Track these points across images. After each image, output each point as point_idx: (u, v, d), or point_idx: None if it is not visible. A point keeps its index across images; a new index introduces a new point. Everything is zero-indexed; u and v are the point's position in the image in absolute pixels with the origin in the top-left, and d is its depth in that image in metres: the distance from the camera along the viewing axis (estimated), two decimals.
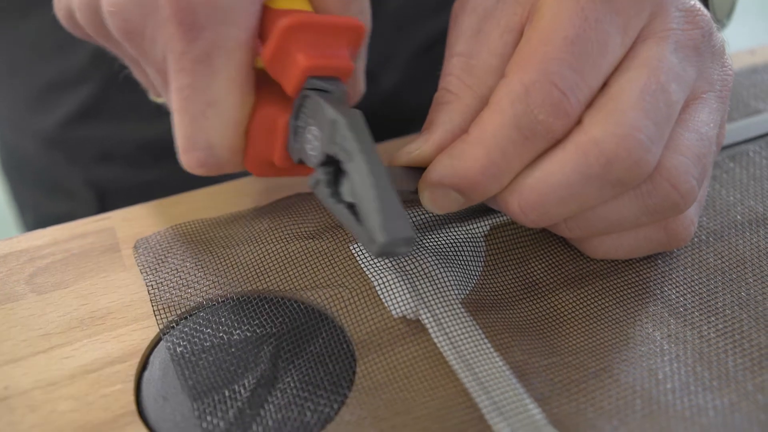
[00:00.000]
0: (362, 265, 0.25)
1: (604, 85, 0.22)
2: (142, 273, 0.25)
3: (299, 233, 0.26)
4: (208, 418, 0.21)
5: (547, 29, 0.22)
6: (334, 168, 0.22)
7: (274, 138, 0.24)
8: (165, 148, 0.45)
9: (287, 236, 0.26)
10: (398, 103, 0.50)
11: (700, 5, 0.23)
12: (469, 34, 0.24)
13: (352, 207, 0.21)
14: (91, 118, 0.45)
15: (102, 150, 0.46)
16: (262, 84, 0.24)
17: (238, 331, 0.23)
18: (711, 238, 0.27)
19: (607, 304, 0.24)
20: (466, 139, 0.23)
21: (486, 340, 0.22)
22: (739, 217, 0.27)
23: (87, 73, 0.43)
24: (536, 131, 0.21)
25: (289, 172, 0.26)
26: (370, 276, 0.24)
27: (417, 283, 0.24)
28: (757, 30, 1.48)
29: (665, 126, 0.21)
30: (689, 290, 0.25)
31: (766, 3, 1.62)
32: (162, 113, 0.45)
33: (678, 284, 0.25)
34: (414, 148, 0.24)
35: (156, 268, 0.25)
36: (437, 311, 0.23)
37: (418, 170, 0.24)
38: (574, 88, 0.21)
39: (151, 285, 0.25)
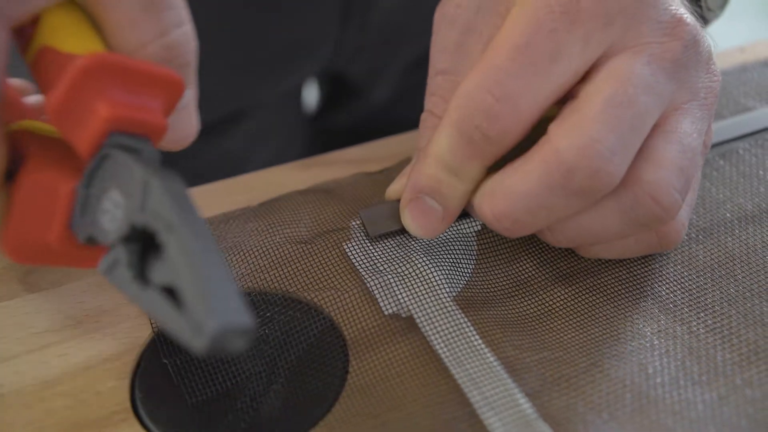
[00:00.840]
0: (355, 263, 0.25)
1: (573, 96, 0.22)
2: None
3: (292, 237, 0.26)
4: (203, 412, 0.21)
5: (500, 38, 0.22)
6: (140, 244, 0.18)
7: (51, 212, 0.19)
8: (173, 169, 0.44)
9: (280, 240, 0.26)
10: (391, 116, 0.50)
11: (684, 13, 0.23)
12: (452, 49, 0.24)
13: (169, 292, 0.17)
14: None
15: None
16: (34, 143, 0.20)
17: None
18: (701, 236, 0.27)
19: (597, 301, 0.25)
20: (418, 156, 0.24)
21: (477, 337, 0.23)
22: (728, 214, 0.28)
23: None
24: (473, 137, 0.22)
25: (67, 258, 0.21)
26: (362, 274, 0.25)
27: (409, 280, 0.24)
28: (755, 28, 1.49)
29: (632, 138, 0.21)
30: (679, 287, 0.25)
31: (763, 2, 1.63)
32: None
33: (668, 281, 0.25)
34: (402, 183, 0.25)
35: None
36: (429, 308, 0.23)
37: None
38: (511, 95, 0.21)
39: None
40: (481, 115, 0.22)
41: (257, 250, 0.26)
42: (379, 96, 0.51)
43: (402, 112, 0.51)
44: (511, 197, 0.22)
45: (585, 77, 0.22)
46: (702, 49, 0.23)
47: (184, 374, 0.22)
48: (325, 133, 0.53)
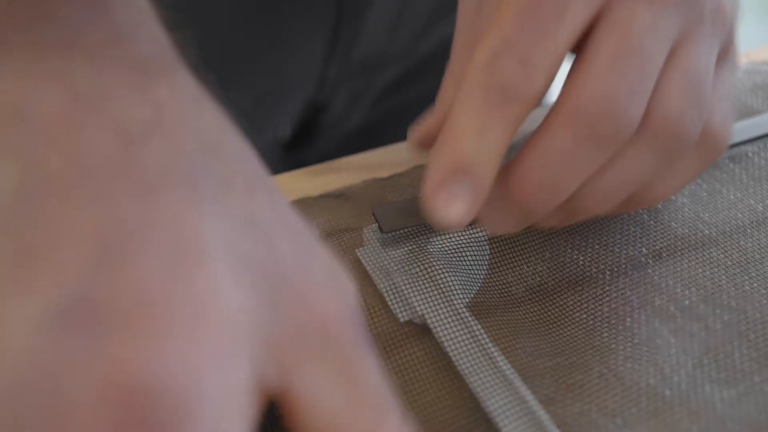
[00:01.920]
0: (369, 270, 0.25)
1: (581, 50, 0.23)
2: None
3: None
4: None
5: (508, 1, 0.23)
6: None
7: None
8: None
9: None
10: (369, 139, 0.51)
11: None
12: (471, 11, 0.26)
13: None
14: None
15: None
16: None
17: None
18: (714, 233, 0.27)
19: (612, 304, 0.25)
20: (443, 128, 0.23)
21: (491, 344, 0.23)
22: (740, 215, 0.28)
23: None
24: (497, 103, 0.22)
25: None
26: (376, 280, 0.25)
27: (422, 287, 0.24)
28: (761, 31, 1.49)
29: (643, 81, 0.22)
30: (694, 284, 0.25)
31: (764, 4, 1.63)
32: None
33: (683, 280, 0.25)
34: (429, 120, 0.27)
35: None
36: (443, 315, 0.24)
37: None
38: (527, 56, 0.22)
39: None
40: (501, 80, 0.22)
41: None
42: (355, 121, 0.51)
43: (379, 136, 0.51)
44: (542, 161, 0.22)
45: (590, 29, 0.23)
46: None
47: None
48: (297, 159, 0.52)
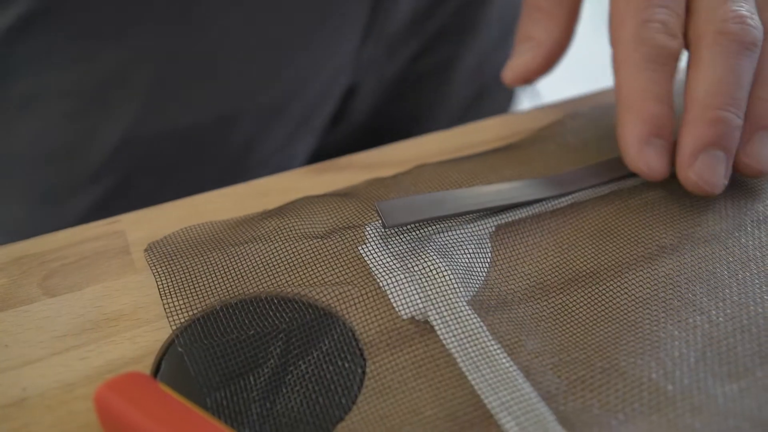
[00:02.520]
0: (371, 267, 0.25)
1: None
2: (154, 276, 0.25)
3: (308, 233, 0.27)
4: (222, 413, 0.21)
5: None
6: None
7: None
8: None
9: (296, 235, 0.27)
10: (373, 135, 0.52)
11: None
12: None
13: None
14: (111, 211, 0.44)
15: None
16: None
17: (251, 331, 0.24)
18: (716, 230, 0.27)
19: (615, 299, 0.25)
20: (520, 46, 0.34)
21: (493, 341, 0.23)
22: (742, 215, 0.28)
23: (109, 165, 0.42)
24: (658, 61, 0.28)
25: None
26: (378, 277, 0.25)
27: (425, 284, 0.24)
28: None
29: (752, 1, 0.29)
30: (697, 279, 0.25)
31: None
32: (175, 195, 0.44)
33: (686, 274, 0.25)
34: (525, 56, 0.33)
35: (168, 271, 0.26)
36: (445, 313, 0.24)
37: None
38: (664, 17, 0.29)
39: (163, 287, 0.25)
40: (660, 40, 0.28)
41: (275, 248, 0.26)
42: (358, 117, 0.51)
43: (381, 130, 0.51)
44: (715, 85, 0.27)
45: None
46: None
47: (202, 368, 0.22)
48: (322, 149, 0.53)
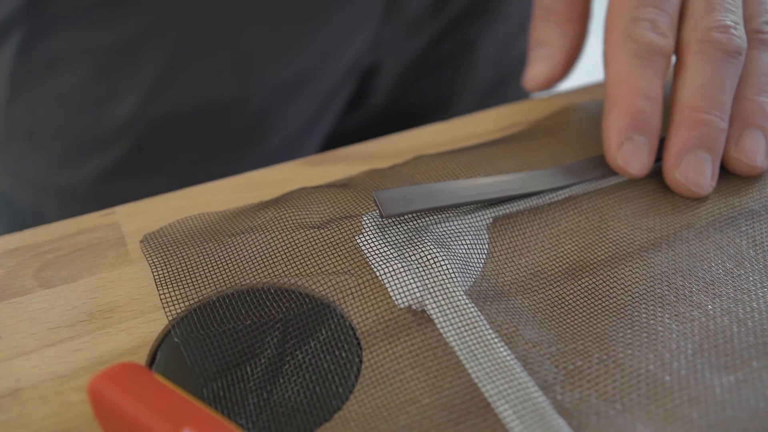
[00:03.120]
0: (368, 256, 0.25)
1: (684, 7, 0.30)
2: (150, 266, 0.25)
3: (305, 223, 0.27)
4: (219, 403, 0.21)
5: None
6: None
7: None
8: None
9: (293, 225, 0.26)
10: (390, 117, 0.52)
11: None
12: None
13: None
14: (124, 175, 0.44)
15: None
16: None
17: (248, 322, 0.23)
18: (711, 230, 0.27)
19: (612, 292, 0.25)
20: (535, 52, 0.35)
21: (491, 331, 0.23)
22: (736, 213, 0.28)
23: (126, 128, 0.43)
24: (648, 58, 0.29)
25: None
26: (375, 267, 0.25)
27: (422, 273, 0.24)
28: None
29: (738, 10, 0.30)
30: (693, 276, 0.25)
31: None
32: (194, 169, 0.45)
33: (682, 270, 0.25)
34: (543, 65, 0.34)
35: (164, 262, 0.25)
36: (442, 302, 0.23)
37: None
38: (656, 17, 0.29)
39: (159, 278, 0.25)
40: (648, 37, 0.29)
41: (271, 238, 0.26)
42: (376, 100, 0.51)
43: (397, 117, 0.51)
44: (699, 89, 0.28)
45: None
46: None
47: (198, 359, 0.22)
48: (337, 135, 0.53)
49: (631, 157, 0.28)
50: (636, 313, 0.24)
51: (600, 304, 0.24)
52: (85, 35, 0.41)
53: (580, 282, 0.25)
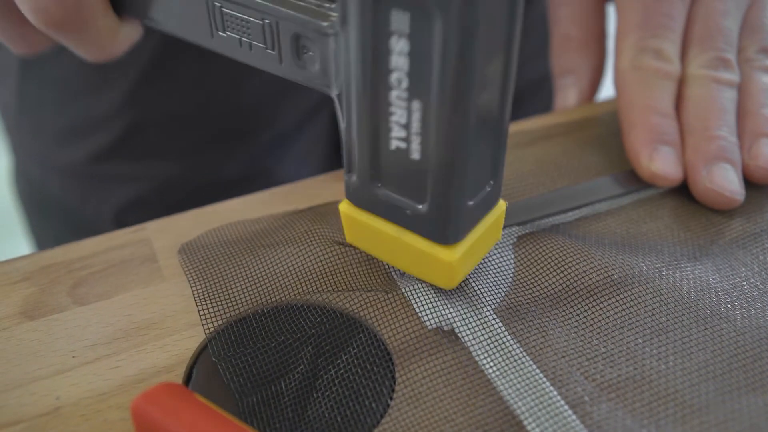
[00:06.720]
0: (395, 276, 0.26)
1: (688, 28, 0.32)
2: (189, 281, 0.26)
3: (336, 239, 0.27)
4: (255, 419, 0.22)
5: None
6: None
7: None
8: (198, 185, 0.46)
9: (326, 240, 0.27)
10: None
11: None
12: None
13: None
14: (121, 155, 0.46)
15: (132, 186, 0.47)
16: None
17: (282, 338, 0.24)
18: (734, 246, 0.28)
19: (640, 310, 0.25)
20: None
21: (520, 348, 0.23)
22: (758, 229, 0.29)
23: (119, 112, 0.44)
24: (655, 80, 0.31)
25: None
26: (403, 287, 0.25)
27: (450, 293, 0.25)
28: None
29: (736, 32, 0.32)
30: (720, 287, 0.26)
31: None
32: (196, 152, 0.47)
33: (707, 284, 0.26)
34: (571, 92, 0.36)
35: (201, 278, 0.26)
36: (470, 321, 0.24)
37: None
38: (661, 46, 0.31)
39: (198, 294, 0.25)
40: (654, 66, 0.31)
41: (305, 251, 0.26)
42: None
43: None
44: (704, 111, 0.30)
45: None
46: None
47: (234, 375, 0.23)
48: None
49: (664, 163, 0.29)
50: (665, 327, 0.24)
51: (628, 320, 0.25)
52: None
53: (606, 300, 0.26)
